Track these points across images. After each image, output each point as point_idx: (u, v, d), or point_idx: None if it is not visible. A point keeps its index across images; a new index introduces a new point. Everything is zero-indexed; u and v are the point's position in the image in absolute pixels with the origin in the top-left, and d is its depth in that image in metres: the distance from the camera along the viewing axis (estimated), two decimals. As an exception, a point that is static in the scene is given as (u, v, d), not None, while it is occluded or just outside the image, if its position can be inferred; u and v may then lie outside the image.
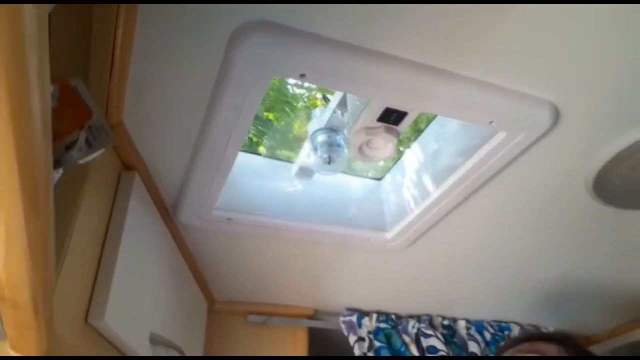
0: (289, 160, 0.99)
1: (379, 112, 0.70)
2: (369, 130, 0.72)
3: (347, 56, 0.60)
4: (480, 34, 0.60)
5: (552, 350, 0.80)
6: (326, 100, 0.94)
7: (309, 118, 0.93)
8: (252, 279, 1.19)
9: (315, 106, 0.94)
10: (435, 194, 0.92)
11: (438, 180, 0.92)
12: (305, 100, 1.04)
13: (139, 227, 0.73)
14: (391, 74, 0.63)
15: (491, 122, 0.72)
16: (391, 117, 0.70)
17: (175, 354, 0.82)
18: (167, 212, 0.87)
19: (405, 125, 0.73)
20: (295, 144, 0.97)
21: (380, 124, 0.72)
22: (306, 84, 1.04)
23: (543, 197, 0.92)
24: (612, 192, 0.86)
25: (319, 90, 1.01)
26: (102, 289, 0.61)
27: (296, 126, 0.98)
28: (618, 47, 0.62)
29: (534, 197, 0.92)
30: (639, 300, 1.29)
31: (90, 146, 0.46)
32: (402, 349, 1.28)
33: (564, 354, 0.79)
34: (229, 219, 0.90)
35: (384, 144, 0.75)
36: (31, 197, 0.29)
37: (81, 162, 0.48)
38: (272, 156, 1.00)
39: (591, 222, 0.98)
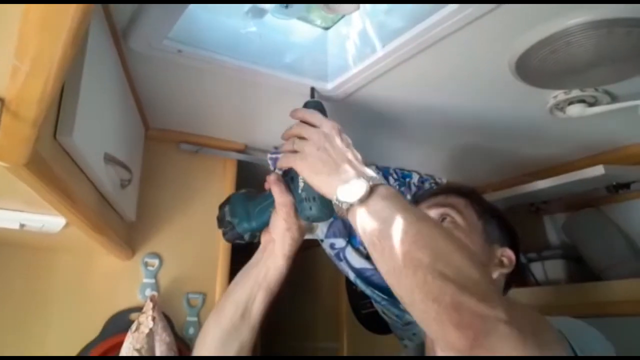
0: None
1: (350, -34, 0.71)
2: (337, -17, 0.73)
3: None
4: None
5: (460, 202, 0.97)
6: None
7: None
8: (187, 111, 1.22)
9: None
10: (379, 52, 0.98)
11: (384, 39, 0.97)
12: None
13: (98, 47, 0.73)
14: None
15: (447, -7, 0.77)
16: (361, -26, 0.72)
17: (125, 172, 0.87)
18: (116, 36, 0.85)
19: (371, -16, 0.75)
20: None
21: (349, -21, 0.73)
22: None
23: (471, 68, 1.02)
24: (531, 71, 0.98)
25: None
26: (70, 107, 0.63)
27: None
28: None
29: (463, 67, 1.02)
30: (520, 162, 1.54)
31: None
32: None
33: (469, 207, 0.97)
34: (179, 51, 0.90)
35: (349, -1, 0.77)
36: (84, 24, 0.31)
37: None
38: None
39: (507, 94, 1.11)
